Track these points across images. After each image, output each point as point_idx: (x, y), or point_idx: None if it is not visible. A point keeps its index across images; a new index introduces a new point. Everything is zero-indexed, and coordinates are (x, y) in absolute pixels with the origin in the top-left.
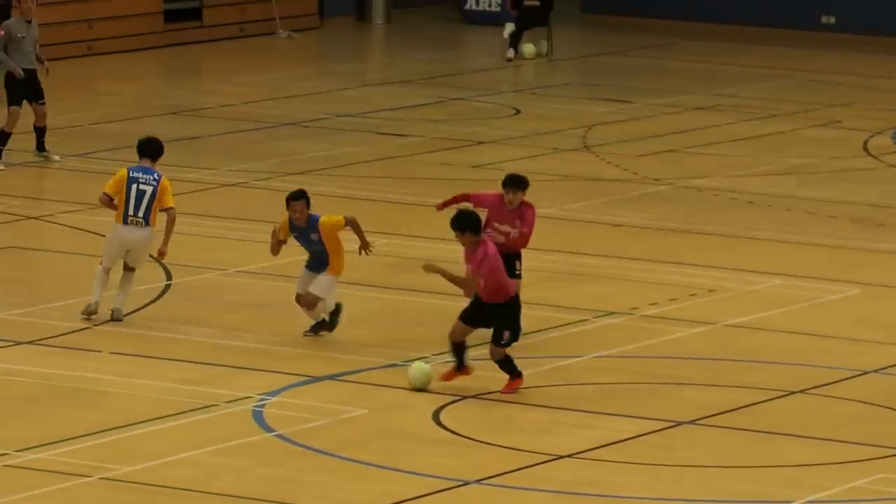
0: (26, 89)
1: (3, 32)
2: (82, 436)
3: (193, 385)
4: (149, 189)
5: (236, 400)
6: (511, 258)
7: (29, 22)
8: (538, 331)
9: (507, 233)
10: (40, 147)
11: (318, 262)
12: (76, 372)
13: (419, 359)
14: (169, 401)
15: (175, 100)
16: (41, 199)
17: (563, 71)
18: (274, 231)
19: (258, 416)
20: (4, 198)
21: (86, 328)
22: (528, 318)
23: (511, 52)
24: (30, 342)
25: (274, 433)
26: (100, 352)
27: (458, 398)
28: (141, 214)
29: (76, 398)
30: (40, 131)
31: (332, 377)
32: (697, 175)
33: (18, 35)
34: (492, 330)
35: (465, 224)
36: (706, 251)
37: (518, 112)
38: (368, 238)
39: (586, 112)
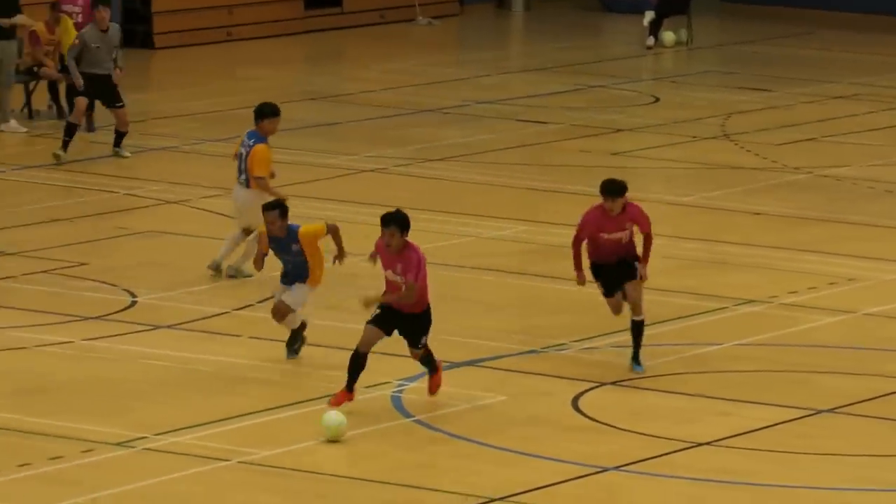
0: (92, 93)
1: (77, 42)
2: (221, 420)
3: (333, 370)
4: (244, 152)
5: (375, 385)
6: (629, 261)
7: (105, 31)
8: (678, 318)
9: (618, 239)
10: (116, 144)
11: (296, 274)
12: (216, 356)
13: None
14: (308, 386)
15: (315, 86)
16: (180, 183)
17: (703, 59)
18: (259, 239)
19: (397, 402)
20: (144, 182)
21: (225, 312)
22: (667, 305)
23: (651, 40)
24: (169, 326)
25: (413, 418)
26: (238, 336)
27: (596, 385)
28: (242, 177)
29: (215, 383)
30: (120, 135)
31: (470, 363)
32: (836, 164)
33: (93, 45)
34: (403, 336)
35: (404, 222)
36: (845, 240)
37: (657, 100)
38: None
39: (725, 100)
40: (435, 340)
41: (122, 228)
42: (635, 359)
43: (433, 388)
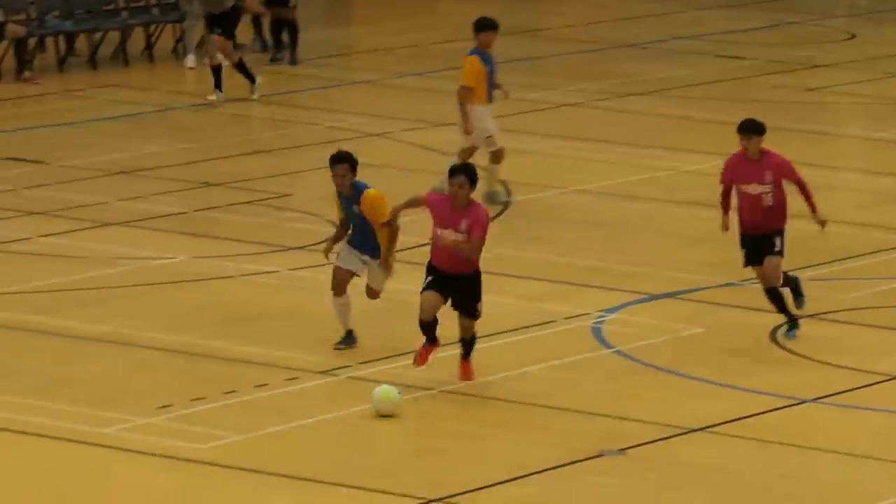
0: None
1: None
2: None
3: (534, 301)
4: None
5: (575, 316)
6: (770, 234)
7: None
8: (872, 252)
9: (758, 196)
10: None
11: (362, 238)
12: (416, 286)
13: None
14: (510, 316)
15: (515, 21)
16: (382, 116)
17: None
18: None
19: (597, 333)
20: (346, 115)
21: (426, 244)
22: (862, 239)
23: None
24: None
25: (612, 349)
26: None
27: (794, 318)
28: None
29: (414, 312)
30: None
31: (669, 295)
32: None
33: None
34: (455, 305)
35: (474, 174)
36: None
37: (853, 37)
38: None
39: None
40: (634, 272)
41: (325, 160)
42: (789, 326)
43: (467, 375)
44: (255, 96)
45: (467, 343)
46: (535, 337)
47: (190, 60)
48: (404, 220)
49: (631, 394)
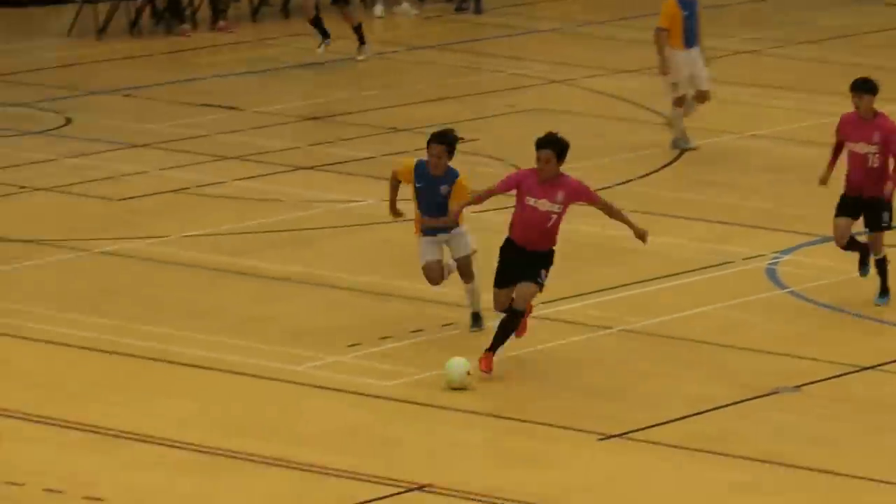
0: None
1: None
2: (606, 289)
3: (711, 243)
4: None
5: (750, 258)
6: (876, 204)
7: None
8: None
9: (864, 156)
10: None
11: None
12: (602, 229)
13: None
14: (688, 258)
15: None
16: (565, 64)
17: None
18: (394, 174)
19: (771, 274)
20: (530, 63)
21: (607, 187)
22: None
23: None
24: None
25: (786, 290)
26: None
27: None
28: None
29: (601, 253)
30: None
31: None
32: None
33: None
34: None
35: (565, 148)
36: None
37: None
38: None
39: None
40: (809, 215)
41: (511, 106)
42: (881, 294)
43: (489, 366)
44: (320, 50)
45: (509, 323)
46: (711, 278)
47: (378, 9)
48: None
49: (804, 333)
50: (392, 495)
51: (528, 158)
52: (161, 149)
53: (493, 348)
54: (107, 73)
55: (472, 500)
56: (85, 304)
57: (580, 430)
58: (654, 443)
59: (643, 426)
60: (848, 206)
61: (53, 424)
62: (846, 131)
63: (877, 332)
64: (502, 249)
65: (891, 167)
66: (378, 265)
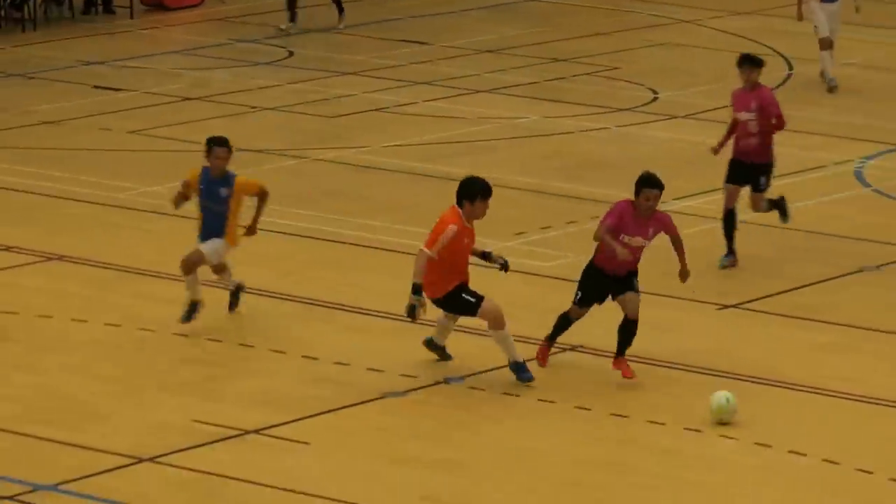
0: None
1: None
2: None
3: (809, 150)
4: None
5: (841, 162)
6: (757, 171)
7: None
8: None
9: (745, 121)
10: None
11: (213, 228)
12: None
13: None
14: (791, 162)
15: None
16: (693, 7)
17: None
18: (184, 183)
19: (858, 175)
20: (661, 5)
21: (723, 106)
22: None
23: None
24: (684, 116)
25: (870, 188)
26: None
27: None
28: None
29: (713, 161)
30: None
31: None
32: None
33: None
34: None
35: (661, 187)
36: None
37: None
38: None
39: None
40: (889, 128)
41: (648, 41)
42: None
43: (626, 372)
44: (340, 27)
45: (629, 330)
46: (809, 178)
47: None
48: None
49: (885, 223)
50: (553, 354)
51: (660, 82)
52: (366, 76)
53: (620, 353)
54: (320, 13)
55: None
56: (306, 202)
57: (702, 302)
58: (761, 311)
59: (752, 298)
60: (737, 170)
61: (280, 298)
62: (734, 100)
63: None
64: (589, 275)
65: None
66: (541, 169)
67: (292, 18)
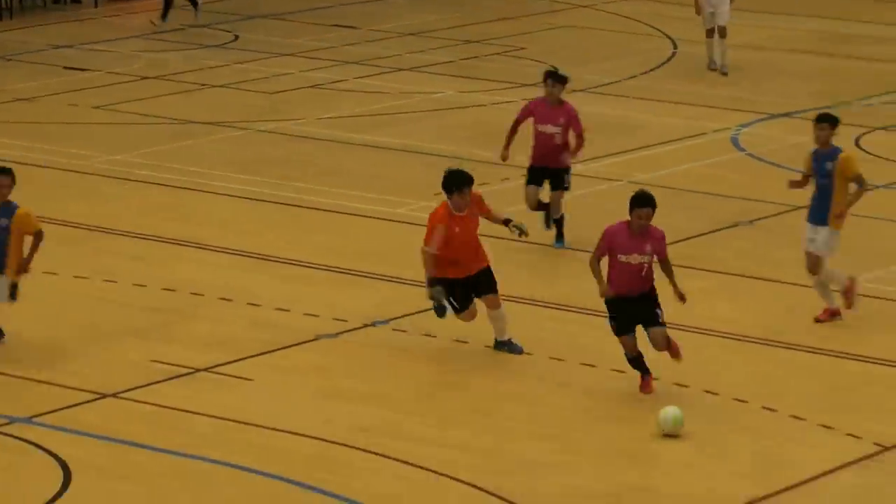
0: None
1: None
2: (620, 152)
3: (690, 119)
4: None
5: (720, 130)
6: (560, 172)
7: None
8: None
9: (551, 133)
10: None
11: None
12: (615, 111)
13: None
14: (673, 131)
15: None
16: None
17: None
18: None
19: (735, 141)
20: None
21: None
22: None
23: None
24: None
25: (745, 152)
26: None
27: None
28: None
29: (616, 128)
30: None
31: (786, 115)
32: None
33: None
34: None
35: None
36: None
37: None
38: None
39: None
40: (759, 100)
41: (550, 24)
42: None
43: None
44: (198, 20)
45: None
46: (693, 144)
47: None
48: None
49: (755, 182)
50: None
51: (559, 60)
52: (302, 57)
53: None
54: (264, 1)
55: (517, 302)
56: (250, 168)
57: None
58: None
59: None
60: (536, 176)
61: (228, 252)
62: (534, 113)
63: None
64: (610, 304)
65: (571, 142)
66: (455, 138)
67: (164, 17)
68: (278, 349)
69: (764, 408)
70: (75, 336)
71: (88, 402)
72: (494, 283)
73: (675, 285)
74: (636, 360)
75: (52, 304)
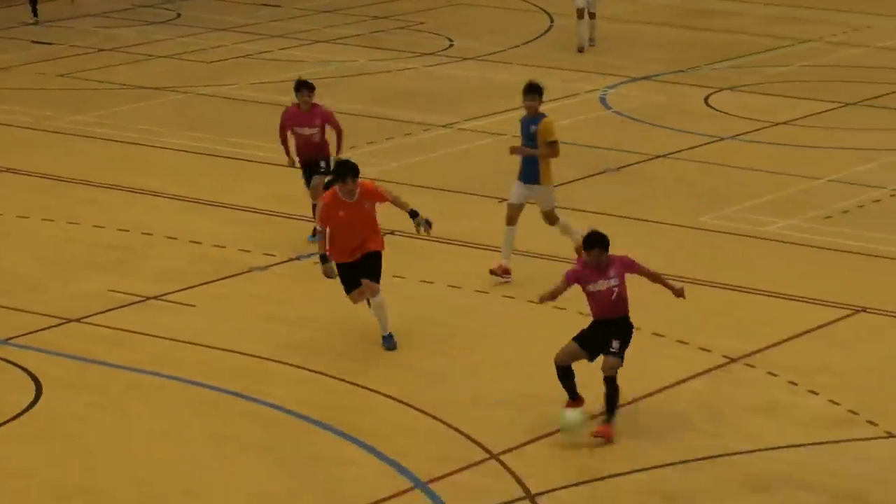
0: None
1: None
2: (503, 111)
3: (568, 83)
4: None
5: (590, 91)
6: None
7: None
8: None
9: (311, 133)
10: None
11: None
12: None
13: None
14: (555, 92)
15: None
16: None
17: None
18: None
19: (602, 100)
20: None
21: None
22: None
23: None
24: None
25: (612, 110)
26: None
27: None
28: None
29: (505, 90)
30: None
31: (646, 78)
32: None
33: None
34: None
35: (608, 243)
36: None
37: None
38: None
39: None
40: (627, 65)
41: (447, 1)
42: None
43: (606, 433)
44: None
45: (613, 390)
46: (568, 103)
47: None
48: None
49: (621, 134)
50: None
51: (455, 33)
52: (235, 31)
53: (611, 412)
54: None
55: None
56: (192, 126)
57: (486, 196)
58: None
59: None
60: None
61: (174, 199)
62: (292, 121)
63: (669, 135)
64: (591, 325)
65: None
66: (365, 100)
67: (34, 14)
68: (217, 280)
69: (655, 334)
70: (44, 270)
71: (56, 325)
72: (377, 269)
73: (669, 286)
74: (565, 373)
75: (23, 242)
